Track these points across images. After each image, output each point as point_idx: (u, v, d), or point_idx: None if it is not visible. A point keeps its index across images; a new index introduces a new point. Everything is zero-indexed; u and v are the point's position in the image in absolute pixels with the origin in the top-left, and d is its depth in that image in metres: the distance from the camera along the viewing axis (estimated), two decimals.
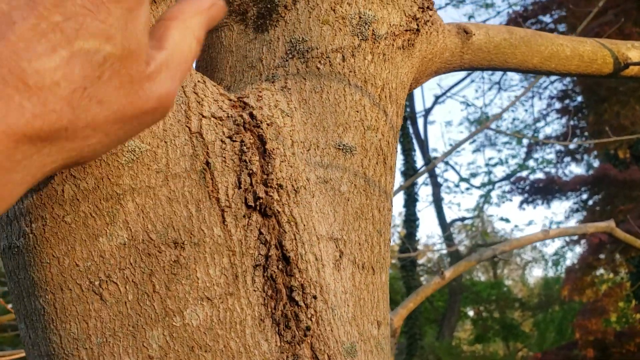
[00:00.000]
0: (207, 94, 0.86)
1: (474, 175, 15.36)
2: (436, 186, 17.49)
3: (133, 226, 0.74)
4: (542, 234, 2.82)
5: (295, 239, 0.78)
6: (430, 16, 1.11)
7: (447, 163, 17.55)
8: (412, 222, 14.76)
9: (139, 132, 0.42)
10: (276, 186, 0.80)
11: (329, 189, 0.86)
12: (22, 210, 0.76)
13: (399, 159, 15.68)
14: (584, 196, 13.42)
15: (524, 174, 14.71)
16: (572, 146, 13.11)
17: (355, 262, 0.85)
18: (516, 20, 11.12)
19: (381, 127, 0.94)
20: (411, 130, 15.89)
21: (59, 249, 0.74)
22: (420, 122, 17.12)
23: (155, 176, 0.77)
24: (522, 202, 13.68)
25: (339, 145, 0.89)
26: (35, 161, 0.35)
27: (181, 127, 0.81)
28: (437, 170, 17.58)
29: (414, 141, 16.20)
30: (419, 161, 17.42)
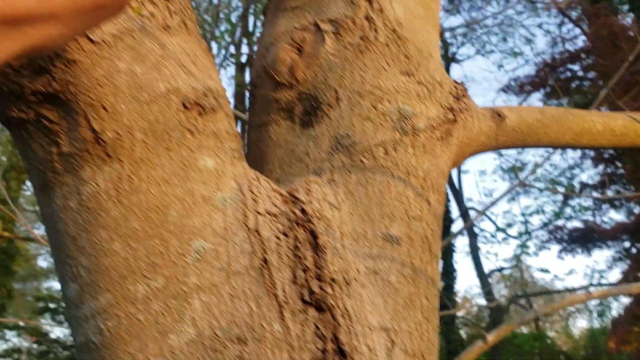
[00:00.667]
0: (261, 190, 0.94)
1: (510, 225, 15.17)
2: (472, 236, 17.27)
3: (200, 323, 0.80)
4: (585, 295, 2.77)
5: (350, 332, 0.83)
6: (465, 103, 1.17)
7: (482, 213, 17.37)
8: (450, 273, 14.53)
9: (96, 25, 0.47)
10: (329, 280, 0.85)
11: (379, 279, 0.91)
12: (99, 308, 0.83)
13: None
14: (626, 244, 13.06)
15: (562, 222, 14.45)
16: (610, 193, 12.88)
17: (406, 351, 0.88)
18: (544, 69, 11.21)
19: (425, 217, 0.99)
20: None
21: (132, 345, 0.80)
22: (454, 172, 17.08)
23: (218, 274, 0.83)
24: (560, 251, 13.39)
25: (386, 236, 0.95)
26: (2, 44, 0.40)
27: (239, 225, 0.88)
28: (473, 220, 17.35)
29: (449, 191, 16.13)
30: (454, 211, 17.28)
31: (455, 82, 1.20)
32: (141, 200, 0.85)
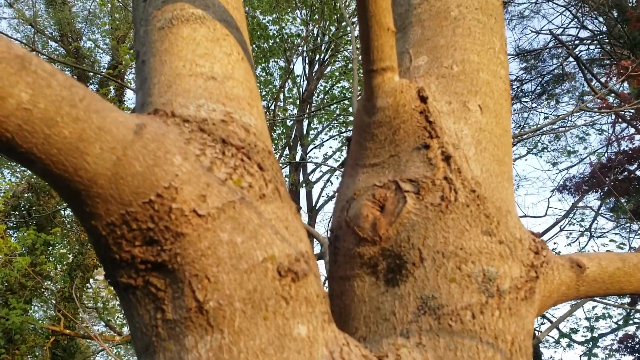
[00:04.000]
0: (352, 357, 0.96)
1: (574, 331, 14.32)
2: (534, 340, 16.34)
3: None
4: None
5: None
6: (545, 256, 1.18)
7: (543, 316, 16.52)
8: None
9: None
10: None
11: None
12: None
13: None
14: None
15: (632, 328, 13.53)
16: None
17: None
18: (601, 170, 11.02)
19: None
20: None
21: None
22: None
23: None
24: None
25: None
26: None
27: None
28: (535, 325, 16.50)
29: None
30: None
31: (533, 234, 1.22)
32: None
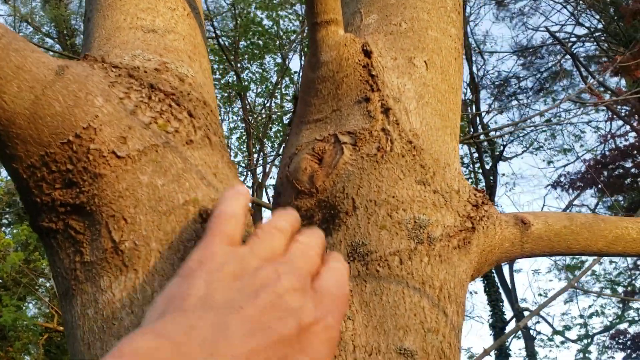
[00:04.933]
0: None
1: (568, 328, 14.24)
2: (529, 339, 16.33)
3: None
4: None
5: None
6: (486, 211, 1.16)
7: (535, 313, 16.51)
8: None
9: None
10: None
11: None
12: None
13: (487, 311, 14.98)
14: None
15: (625, 326, 13.47)
16: None
17: None
18: (595, 167, 11.01)
19: (442, 329, 0.96)
20: (497, 280, 15.29)
21: None
22: (505, 270, 16.44)
23: None
24: (625, 359, 12.42)
25: (400, 350, 0.92)
26: None
27: None
28: (529, 323, 16.48)
29: (501, 291, 15.53)
30: (508, 312, 16.52)
31: (476, 189, 1.20)
32: None
